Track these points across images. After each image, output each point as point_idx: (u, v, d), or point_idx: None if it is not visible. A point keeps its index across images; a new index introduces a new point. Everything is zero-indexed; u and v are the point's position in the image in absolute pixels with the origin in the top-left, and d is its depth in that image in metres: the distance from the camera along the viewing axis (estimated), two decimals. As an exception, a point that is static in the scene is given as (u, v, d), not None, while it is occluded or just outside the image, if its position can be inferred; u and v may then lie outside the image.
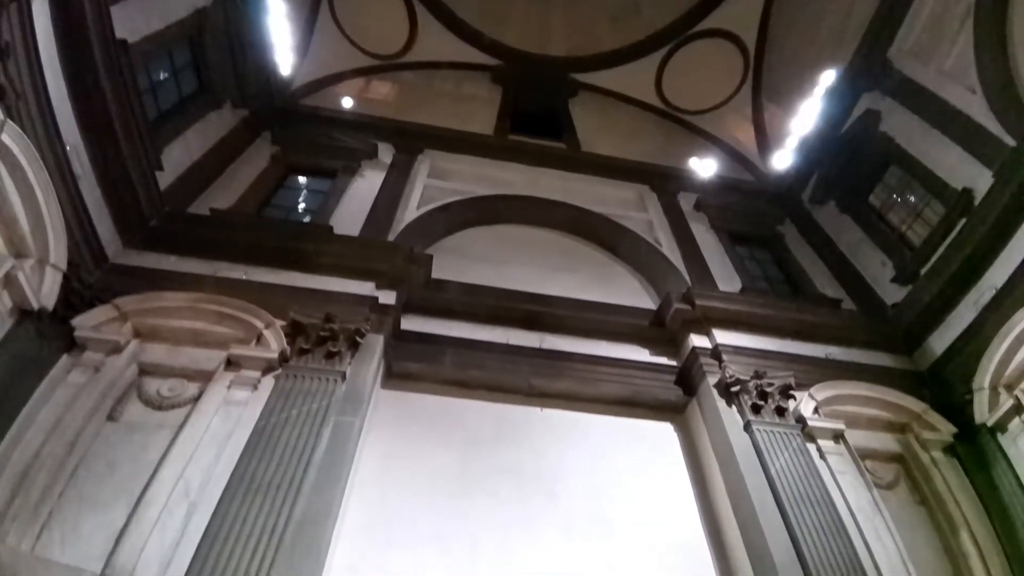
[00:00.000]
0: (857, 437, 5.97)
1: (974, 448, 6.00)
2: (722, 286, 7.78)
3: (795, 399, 6.07)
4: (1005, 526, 5.32)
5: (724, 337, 6.58)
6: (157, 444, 4.66)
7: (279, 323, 5.58)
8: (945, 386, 6.59)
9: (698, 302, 6.72)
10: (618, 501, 5.62)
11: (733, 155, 11.81)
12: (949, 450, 6.03)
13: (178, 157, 7.39)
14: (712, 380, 6.21)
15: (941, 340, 6.82)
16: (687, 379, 6.57)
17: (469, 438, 5.92)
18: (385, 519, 5.06)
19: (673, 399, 6.58)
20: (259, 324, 5.51)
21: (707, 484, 5.92)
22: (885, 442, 6.13)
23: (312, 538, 4.14)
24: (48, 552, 3.89)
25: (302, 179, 8.94)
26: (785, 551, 4.72)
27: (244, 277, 6.01)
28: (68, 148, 5.19)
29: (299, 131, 9.40)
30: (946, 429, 6.13)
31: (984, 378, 6.04)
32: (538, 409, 6.40)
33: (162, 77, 7.48)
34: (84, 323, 5.17)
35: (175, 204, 6.90)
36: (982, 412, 6.03)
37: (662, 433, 6.49)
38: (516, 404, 6.38)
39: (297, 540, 4.09)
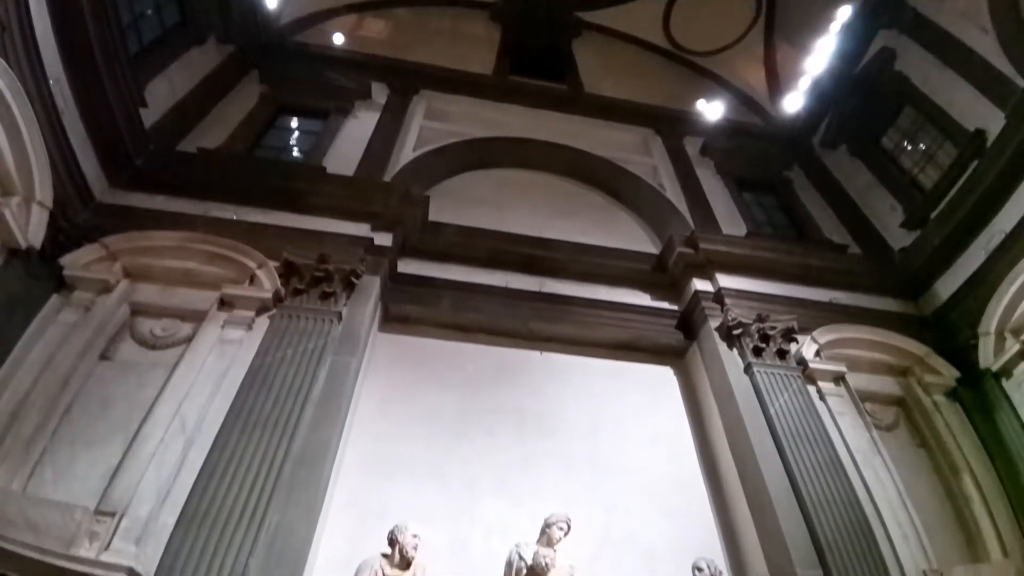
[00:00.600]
0: (858, 380, 5.96)
1: (977, 393, 6.00)
2: (727, 231, 7.59)
3: (797, 342, 6.01)
4: (1009, 470, 5.34)
5: (727, 281, 6.46)
6: (153, 382, 4.62)
7: (272, 264, 5.45)
8: (950, 331, 6.54)
9: (702, 245, 6.56)
10: (617, 442, 5.65)
11: (742, 98, 11.35)
12: (951, 394, 6.03)
13: (163, 94, 7.05)
14: (714, 324, 6.13)
15: (948, 285, 6.74)
16: (688, 323, 6.49)
17: (468, 380, 5.90)
18: (384, 458, 5.08)
19: (673, 343, 6.52)
20: (251, 264, 5.38)
21: (705, 426, 5.94)
22: (886, 385, 6.12)
23: (311, 473, 4.14)
24: (40, 491, 3.87)
25: (293, 119, 8.60)
26: (782, 488, 4.76)
27: (234, 217, 5.83)
28: (52, 83, 4.92)
29: (289, 69, 8.97)
30: (949, 373, 6.11)
31: (991, 322, 5.98)
32: (537, 353, 6.35)
33: (146, 12, 7.03)
34: (73, 262, 5.05)
35: (161, 143, 6.63)
36: (987, 357, 6.00)
37: (662, 377, 6.47)
38: (515, 348, 6.33)
39: (296, 475, 4.09)
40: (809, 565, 4.27)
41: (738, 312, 6.03)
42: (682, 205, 7.92)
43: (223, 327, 4.96)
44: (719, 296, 6.32)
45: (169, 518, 3.80)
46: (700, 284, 6.49)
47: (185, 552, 3.59)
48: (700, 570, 4.26)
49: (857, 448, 5.21)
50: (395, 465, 5.05)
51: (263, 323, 5.08)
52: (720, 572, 4.32)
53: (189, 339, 4.92)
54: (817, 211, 8.96)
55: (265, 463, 4.06)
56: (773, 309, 6.19)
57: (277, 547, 3.71)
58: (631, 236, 7.74)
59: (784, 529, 4.46)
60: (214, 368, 4.70)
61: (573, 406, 5.88)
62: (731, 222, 7.92)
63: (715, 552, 4.83)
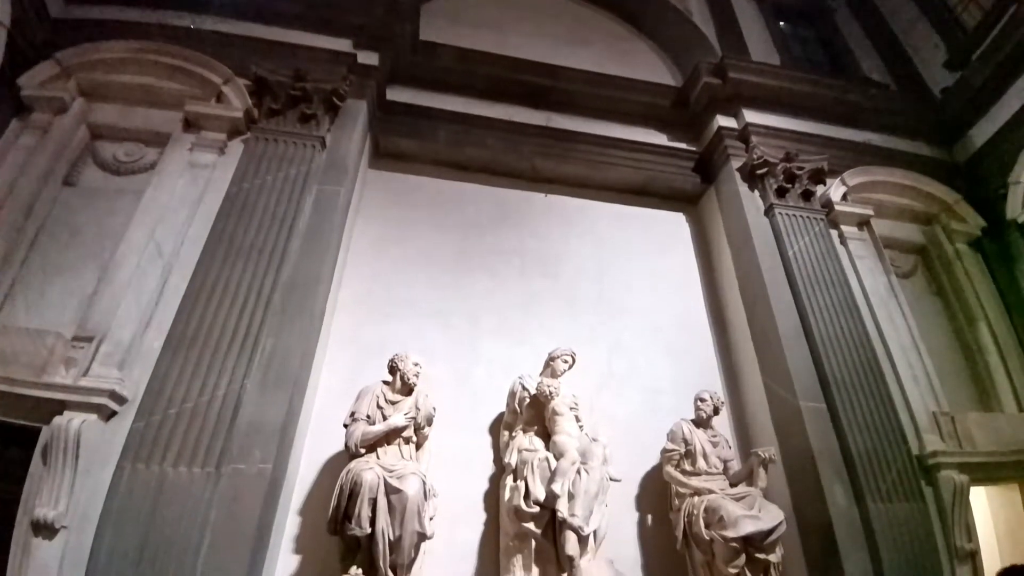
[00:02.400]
0: (881, 226, 5.62)
1: (1001, 244, 5.75)
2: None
3: (824, 184, 5.55)
4: None
5: (755, 117, 5.80)
6: (122, 209, 4.22)
7: (241, 81, 4.75)
8: (981, 180, 6.13)
9: (731, 74, 5.78)
10: (622, 285, 5.44)
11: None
12: (975, 244, 5.78)
13: None
14: (736, 164, 5.61)
15: (983, 131, 6.19)
16: (707, 165, 5.96)
17: (468, 221, 5.52)
18: (383, 295, 4.88)
19: (689, 188, 6.05)
20: (216, 79, 4.68)
21: (715, 271, 5.71)
22: (910, 232, 5.81)
23: (303, 301, 3.90)
24: (12, 320, 3.63)
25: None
26: (792, 327, 4.62)
27: (191, 25, 4.96)
28: None
29: None
30: (975, 222, 5.81)
31: (1022, 172, 5.59)
32: (542, 195, 5.90)
33: None
34: (29, 82, 4.46)
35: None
36: (1015, 207, 5.66)
37: (673, 223, 6.10)
38: (518, 189, 5.86)
39: (287, 302, 3.85)
40: (812, 398, 4.25)
41: (765, 150, 5.48)
42: (710, 31, 6.91)
43: (191, 150, 4.43)
44: (744, 133, 5.70)
45: (155, 342, 3.62)
46: (724, 121, 5.82)
47: (175, 374, 3.45)
48: (703, 400, 4.24)
49: (874, 291, 5.02)
50: (394, 303, 4.86)
51: (237, 147, 4.54)
52: (722, 402, 4.32)
53: (155, 164, 4.42)
54: (858, 47, 7.92)
55: (253, 290, 3.81)
56: (803, 149, 5.62)
57: (274, 371, 3.58)
58: (650, 68, 6.84)
59: (790, 364, 4.39)
60: (187, 194, 4.26)
61: (578, 249, 5.58)
62: (764, 54, 6.95)
63: (716, 388, 4.83)
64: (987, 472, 4.20)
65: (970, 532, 3.89)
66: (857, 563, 3.59)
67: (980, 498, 4.48)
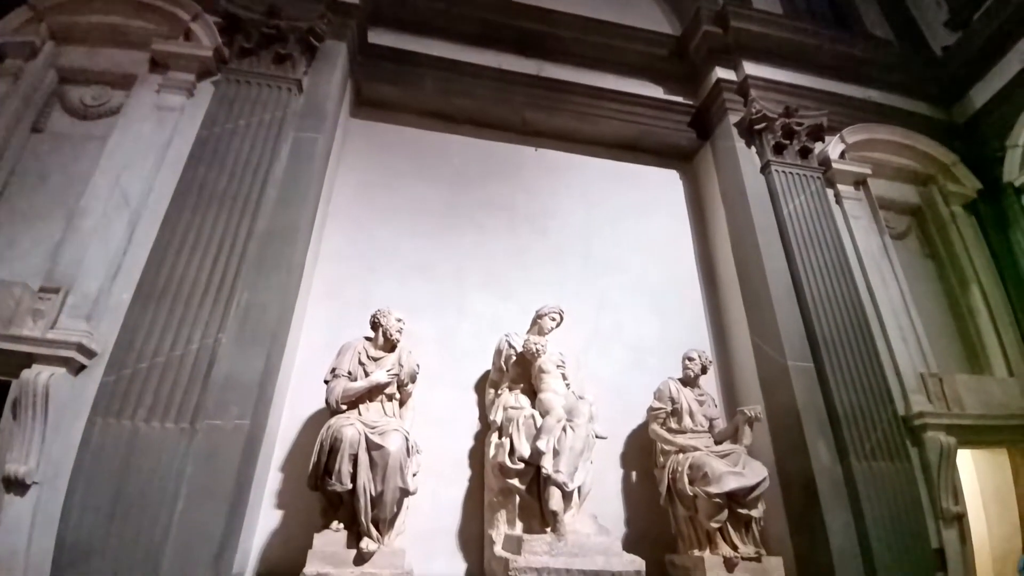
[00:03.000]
0: (877, 186, 5.51)
1: (996, 208, 5.70)
2: (760, 12, 6.40)
3: (823, 141, 5.39)
4: (1018, 287, 5.18)
5: (755, 70, 5.56)
6: (88, 154, 4.01)
7: (211, 18, 4.42)
8: (978, 142, 6.02)
9: (733, 23, 5.51)
10: (612, 242, 5.32)
11: None
12: (970, 207, 5.72)
13: None
14: (733, 119, 5.41)
15: (982, 92, 6.05)
16: (704, 119, 5.75)
17: (455, 174, 5.32)
18: (366, 247, 4.72)
19: (683, 143, 5.85)
20: (184, 15, 4.36)
21: (708, 230, 5.59)
22: (905, 193, 5.71)
23: (281, 253, 3.73)
24: (-17, 270, 3.44)
25: None
26: (784, 287, 4.55)
27: (155, -46, 4.56)
28: None
29: None
30: (971, 184, 5.74)
31: (1020, 135, 5.52)
32: (532, 149, 5.68)
33: None
34: (3, 29, 4.22)
35: None
36: (1012, 170, 5.60)
37: (665, 180, 5.93)
38: (507, 142, 5.63)
39: (264, 253, 3.68)
40: (801, 358, 4.22)
41: (764, 104, 5.28)
42: (711, -22, 6.56)
43: (158, 92, 4.15)
44: (744, 87, 5.48)
45: (124, 294, 3.46)
46: (723, 73, 5.58)
47: (145, 327, 3.30)
48: (691, 359, 4.20)
49: (867, 252, 4.95)
50: (378, 257, 4.70)
51: (207, 90, 4.26)
52: (710, 361, 4.28)
53: (121, 108, 4.15)
54: (861, 1, 7.61)
55: (227, 240, 3.62)
56: (802, 104, 5.42)
57: (250, 325, 3.44)
58: (647, 16, 6.47)
59: (780, 325, 4.34)
60: (155, 138, 4.02)
61: (568, 205, 5.42)
62: (766, 3, 6.63)
63: (704, 347, 4.78)
64: (975, 435, 4.22)
65: (957, 495, 3.93)
66: (839, 518, 3.63)
67: (967, 462, 4.53)
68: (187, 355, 3.24)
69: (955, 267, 5.32)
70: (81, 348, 3.20)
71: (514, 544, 3.21)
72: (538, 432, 3.49)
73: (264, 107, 4.16)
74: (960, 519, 3.88)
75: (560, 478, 3.26)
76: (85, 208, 3.67)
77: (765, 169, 5.11)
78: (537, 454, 3.39)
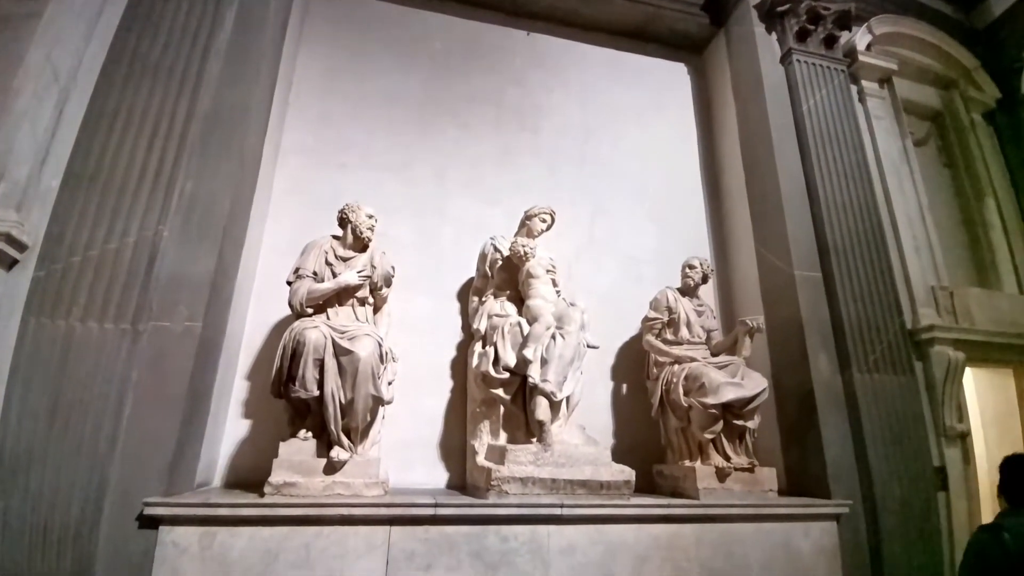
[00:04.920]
0: (901, 87, 5.02)
1: (1013, 119, 5.37)
2: None
3: (850, 31, 4.79)
4: None
5: (781, -57, 4.83)
6: (25, 32, 3.30)
7: None
8: (997, 50, 5.61)
9: None
10: (609, 143, 4.83)
11: None
12: (988, 117, 5.41)
13: None
14: (753, 1, 4.76)
15: (1000, 1, 5.58)
16: (719, 1, 5.07)
17: (435, 60, 4.69)
18: (333, 143, 4.19)
19: (694, 30, 5.21)
20: None
21: (715, 131, 5.10)
22: (927, 96, 5.26)
23: (229, 137, 3.22)
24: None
25: None
26: (796, 189, 4.16)
27: None
28: None
29: None
30: (991, 92, 5.42)
31: None
32: (523, 33, 5.02)
33: None
34: None
35: None
36: (1030, 83, 5.15)
37: (672, 74, 5.34)
38: (496, 23, 4.96)
39: (209, 138, 3.17)
40: (809, 267, 3.92)
41: (788, -17, 4.62)
42: None
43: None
44: (766, -36, 4.78)
45: (53, 180, 2.99)
46: (745, -54, 4.86)
47: (75, 217, 2.86)
48: (691, 267, 3.88)
49: (887, 155, 4.54)
50: (348, 151, 4.20)
51: (135, -59, 3.52)
52: (712, 270, 3.96)
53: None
54: None
55: (164, 119, 3.10)
56: (830, -13, 4.76)
57: (196, 217, 3.01)
58: None
59: (790, 231, 3.99)
60: (85, 8, 3.35)
61: (562, 99, 4.87)
62: None
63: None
64: (983, 352, 4.04)
65: (961, 413, 3.80)
66: (836, 430, 3.49)
67: (968, 382, 4.39)
68: (123, 249, 2.83)
69: (972, 178, 5.03)
70: (10, 239, 2.76)
71: (497, 454, 3.02)
72: (525, 340, 3.20)
73: (203, -36, 3.47)
74: (964, 438, 3.76)
75: (548, 387, 3.01)
76: (19, 88, 3.08)
77: (785, 59, 4.56)
78: (524, 363, 3.13)
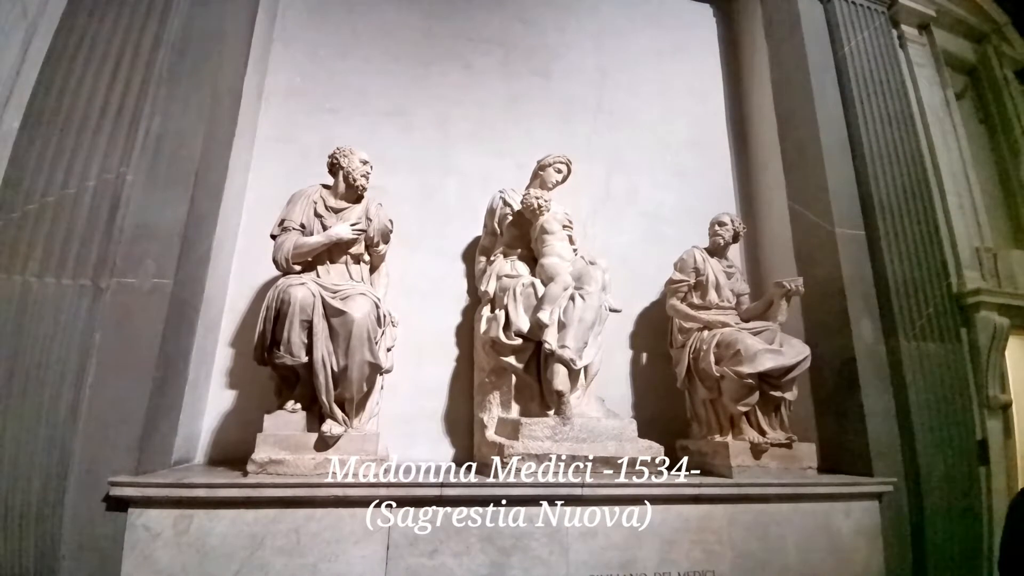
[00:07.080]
0: (937, 36, 4.58)
1: None
2: None
3: (892, -33, 4.33)
4: None
5: None
6: None
7: None
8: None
9: None
10: (628, 90, 4.41)
11: None
12: (1019, 75, 4.99)
13: None
14: (788, -69, 4.27)
15: None
16: (750, -67, 4.58)
17: (436, -4, 4.23)
18: (325, 84, 3.78)
19: (722, -34, 4.73)
20: None
21: (743, 78, 4.67)
22: (963, 48, 4.91)
23: (200, 67, 2.81)
24: None
25: None
26: (837, 140, 3.76)
27: None
28: None
29: None
30: (1021, 48, 5.06)
31: None
32: (533, -33, 4.53)
33: None
34: None
35: None
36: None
37: (695, 14, 4.88)
38: (503, -45, 4.46)
39: (177, 68, 2.77)
40: (852, 225, 3.56)
41: (830, -91, 4.13)
42: None
43: None
44: None
45: (14, 122, 2.59)
46: None
47: (33, 160, 2.48)
48: (722, 224, 3.52)
49: (930, 106, 4.16)
50: (340, 96, 3.78)
51: None
52: (743, 228, 3.59)
53: None
54: None
55: (128, 47, 2.69)
56: (874, -84, 4.28)
57: (164, 159, 2.63)
58: None
59: (830, 185, 3.61)
60: None
61: (576, 41, 4.42)
62: None
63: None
64: (1026, 318, 3.73)
65: (1003, 382, 3.51)
66: (879, 402, 3.18)
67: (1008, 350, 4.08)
68: (82, 193, 2.46)
69: (1007, 134, 4.71)
70: (-29, 187, 2.40)
71: (510, 428, 2.72)
72: (540, 302, 2.86)
73: None
74: (1006, 409, 3.48)
75: (567, 354, 2.69)
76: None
77: (824, -4, 4.11)
78: (538, 327, 2.79)
